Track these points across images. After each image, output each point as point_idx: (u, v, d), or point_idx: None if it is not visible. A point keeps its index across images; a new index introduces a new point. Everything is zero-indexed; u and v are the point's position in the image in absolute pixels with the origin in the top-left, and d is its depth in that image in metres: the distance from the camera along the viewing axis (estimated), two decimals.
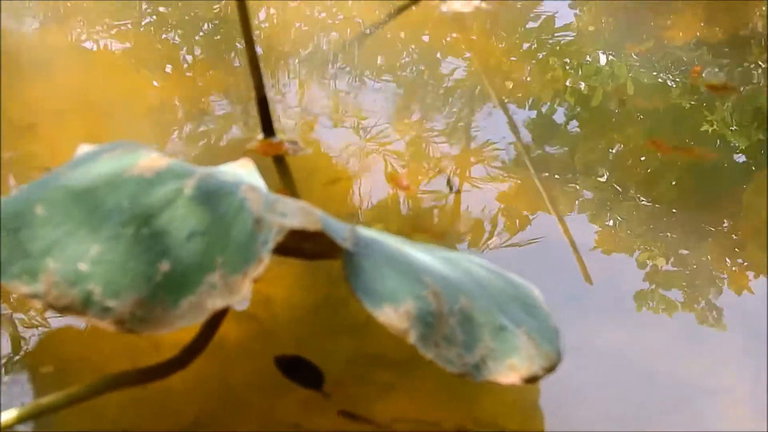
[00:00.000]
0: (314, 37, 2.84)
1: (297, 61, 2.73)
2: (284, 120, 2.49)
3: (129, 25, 2.81)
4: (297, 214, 1.49)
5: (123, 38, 2.74)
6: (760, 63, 2.96)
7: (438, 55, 2.83)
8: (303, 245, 1.58)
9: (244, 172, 1.87)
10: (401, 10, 2.90)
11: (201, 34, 2.79)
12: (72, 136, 2.28)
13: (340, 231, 1.54)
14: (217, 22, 2.81)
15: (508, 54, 2.87)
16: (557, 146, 2.61)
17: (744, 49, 3.02)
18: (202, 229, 1.47)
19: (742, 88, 2.87)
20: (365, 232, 1.64)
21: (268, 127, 2.33)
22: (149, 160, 1.58)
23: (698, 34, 3.06)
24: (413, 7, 2.92)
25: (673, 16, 3.13)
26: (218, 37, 2.76)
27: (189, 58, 2.71)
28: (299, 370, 1.80)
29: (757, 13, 3.24)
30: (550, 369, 1.59)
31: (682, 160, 2.60)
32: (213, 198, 1.51)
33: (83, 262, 1.45)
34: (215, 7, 2.84)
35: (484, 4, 2.94)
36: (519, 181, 2.45)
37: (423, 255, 1.68)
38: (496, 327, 1.57)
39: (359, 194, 2.32)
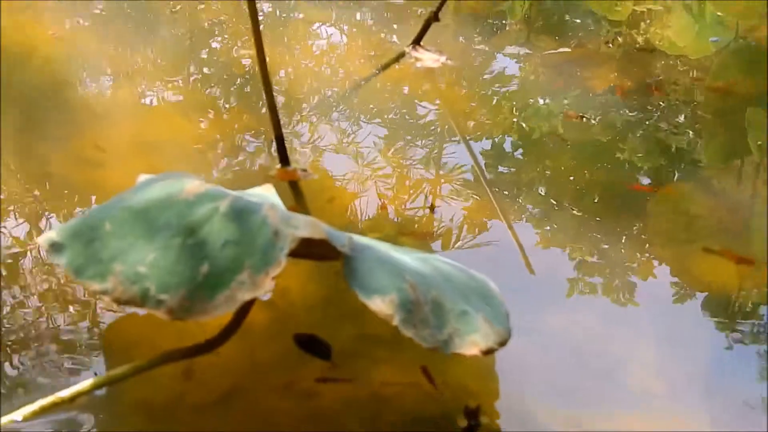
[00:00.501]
0: (321, 89, 2.83)
1: (308, 106, 2.73)
2: (299, 152, 2.48)
3: (180, 82, 2.79)
4: (307, 226, 1.51)
5: (176, 91, 2.72)
6: (660, 103, 2.94)
7: (415, 101, 2.82)
8: (312, 250, 1.59)
9: (266, 194, 1.88)
10: (386, 66, 2.90)
11: (234, 87, 2.79)
12: (134, 168, 2.27)
13: (341, 239, 1.55)
14: (247, 77, 2.80)
15: (469, 100, 2.86)
16: (507, 169, 2.60)
17: (648, 94, 3.01)
18: (233, 239, 1.49)
19: (647, 122, 2.86)
20: (360, 239, 1.65)
21: (284, 158, 2.34)
22: (192, 186, 1.59)
23: (612, 84, 3.05)
24: (396, 65, 2.89)
25: (594, 70, 3.12)
26: (248, 89, 2.75)
27: (226, 105, 2.70)
28: (313, 345, 1.82)
29: (659, 66, 3.23)
30: (503, 344, 1.61)
31: (602, 180, 2.59)
32: (242, 215, 1.53)
33: (142, 266, 1.47)
34: (246, 67, 2.83)
35: (449, 61, 2.92)
36: (478, 197, 2.44)
37: (403, 256, 1.69)
38: (460, 312, 1.58)
39: (357, 208, 2.31)
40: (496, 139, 2.71)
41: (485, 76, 3.01)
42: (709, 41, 3.53)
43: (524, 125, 2.82)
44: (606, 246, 2.33)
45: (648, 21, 3.61)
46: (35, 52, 2.85)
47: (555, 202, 2.48)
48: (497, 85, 2.99)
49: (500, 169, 2.60)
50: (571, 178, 2.60)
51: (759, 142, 2.85)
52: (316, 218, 1.56)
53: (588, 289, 2.19)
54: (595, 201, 2.52)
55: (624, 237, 2.37)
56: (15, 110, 2.54)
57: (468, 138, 2.69)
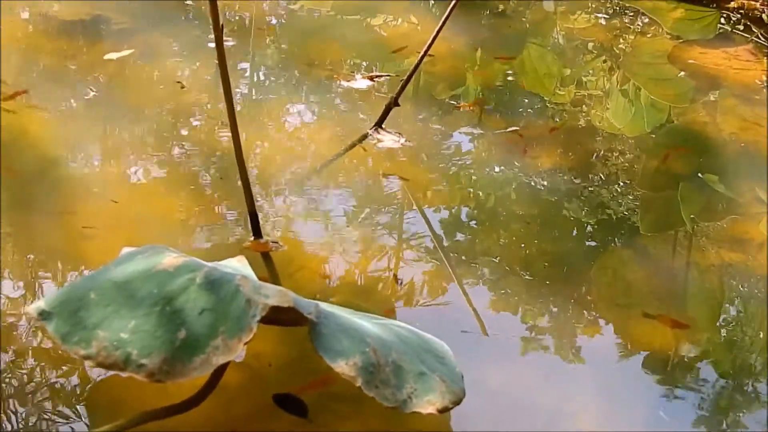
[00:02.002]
0: (292, 165, 2.84)
1: (280, 181, 2.73)
2: (271, 224, 2.49)
3: (162, 158, 2.79)
4: (276, 295, 1.52)
5: (159, 168, 2.72)
6: (601, 177, 2.97)
7: (377, 177, 2.83)
8: (282, 316, 1.59)
9: (239, 266, 1.89)
10: (352, 146, 2.91)
11: (212, 164, 2.78)
12: (119, 240, 2.27)
13: (307, 307, 1.56)
14: (224, 155, 2.80)
15: (428, 175, 2.87)
16: (464, 236, 2.61)
17: (591, 166, 3.03)
18: (209, 307, 1.51)
19: (590, 189, 2.88)
20: (325, 306, 1.66)
21: (257, 231, 2.35)
22: (170, 259, 1.60)
23: (558, 159, 3.07)
24: (360, 146, 2.91)
25: (540, 146, 3.14)
26: (225, 166, 2.75)
27: (204, 182, 2.70)
28: (290, 404, 1.82)
29: (599, 144, 3.25)
30: (457, 402, 1.62)
31: (551, 247, 2.60)
32: (216, 285, 1.54)
33: (124, 332, 1.48)
34: (224, 145, 2.83)
35: (408, 143, 2.94)
36: (436, 263, 2.45)
37: (365, 322, 1.70)
38: (418, 373, 1.59)
39: (324, 276, 2.32)
40: (453, 210, 2.72)
41: (442, 153, 3.02)
42: (644, 122, 3.57)
43: (479, 195, 2.84)
44: (554, 308, 2.34)
45: (589, 104, 3.64)
46: (29, 131, 2.85)
47: (508, 268, 2.48)
48: (454, 159, 3.01)
49: (458, 236, 2.61)
50: (522, 245, 2.61)
51: (691, 215, 2.87)
52: (285, 287, 1.57)
53: (538, 347, 2.19)
54: (545, 266, 2.53)
55: (571, 299, 2.38)
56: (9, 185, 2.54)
57: (426, 209, 2.70)
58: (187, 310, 1.50)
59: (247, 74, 3.44)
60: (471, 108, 3.42)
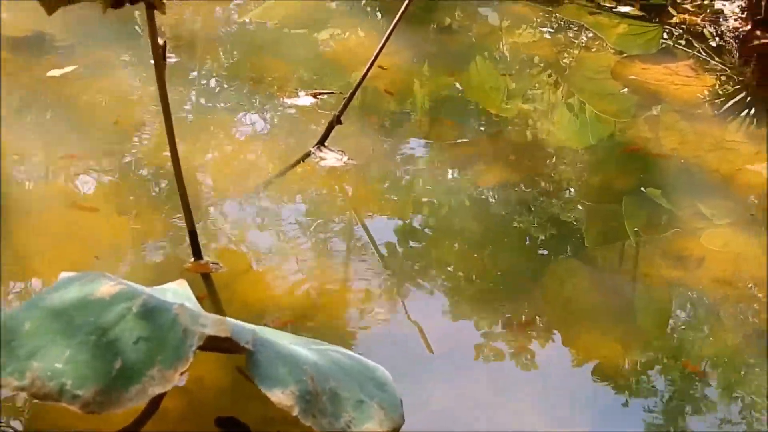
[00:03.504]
0: (235, 184, 2.83)
1: (222, 201, 2.73)
2: (212, 244, 2.48)
3: (105, 174, 2.77)
4: (214, 324, 1.51)
5: (99, 189, 2.70)
6: (548, 189, 2.98)
7: (322, 192, 2.83)
8: (220, 344, 1.58)
9: (179, 290, 1.88)
10: (295, 164, 2.91)
11: (152, 185, 2.77)
12: (58, 261, 2.26)
13: (245, 336, 1.55)
14: (164, 173, 2.78)
15: (372, 191, 2.88)
16: (409, 253, 2.61)
17: (538, 179, 3.05)
18: (145, 336, 1.50)
19: (538, 201, 2.90)
20: (263, 332, 1.65)
21: (197, 252, 2.34)
22: (107, 287, 1.59)
23: (505, 171, 3.08)
24: (302, 161, 2.91)
25: (489, 155, 3.16)
26: (165, 186, 2.73)
27: (144, 203, 2.68)
28: (233, 426, 1.81)
29: (545, 155, 3.27)
30: (396, 429, 1.61)
31: (498, 260, 2.61)
32: (153, 314, 1.53)
33: (59, 363, 1.47)
34: (165, 166, 2.81)
35: (352, 161, 2.94)
36: (382, 280, 2.45)
37: (303, 349, 1.69)
38: (356, 401, 1.59)
39: (265, 297, 2.31)
40: (398, 226, 2.73)
41: (387, 169, 3.03)
42: (589, 136, 3.59)
43: (425, 210, 2.85)
44: (508, 315, 2.37)
45: (535, 117, 3.66)
46: None
47: (456, 283, 2.50)
48: (400, 175, 3.02)
49: (403, 253, 2.62)
50: (469, 259, 2.62)
51: (635, 229, 2.89)
52: (225, 309, 1.57)
53: (485, 363, 2.21)
54: (493, 280, 2.54)
55: (521, 314, 2.40)
56: None
57: (370, 226, 2.70)
58: (123, 339, 1.49)
59: (191, 91, 3.42)
60: (420, 120, 3.44)
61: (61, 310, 1.56)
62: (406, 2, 2.93)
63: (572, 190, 3.08)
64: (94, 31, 3.66)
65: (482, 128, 3.48)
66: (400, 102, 3.60)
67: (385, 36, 2.96)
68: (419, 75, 3.90)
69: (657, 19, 4.69)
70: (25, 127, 3.03)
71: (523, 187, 3.00)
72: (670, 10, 4.77)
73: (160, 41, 2.94)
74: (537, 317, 2.40)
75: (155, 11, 1.99)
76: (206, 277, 2.31)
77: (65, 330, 1.51)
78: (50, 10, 1.94)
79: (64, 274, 1.78)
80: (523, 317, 2.39)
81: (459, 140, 3.28)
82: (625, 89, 3.91)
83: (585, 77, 4.11)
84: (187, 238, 2.33)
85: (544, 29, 4.58)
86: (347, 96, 3.00)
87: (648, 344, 2.37)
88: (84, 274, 1.70)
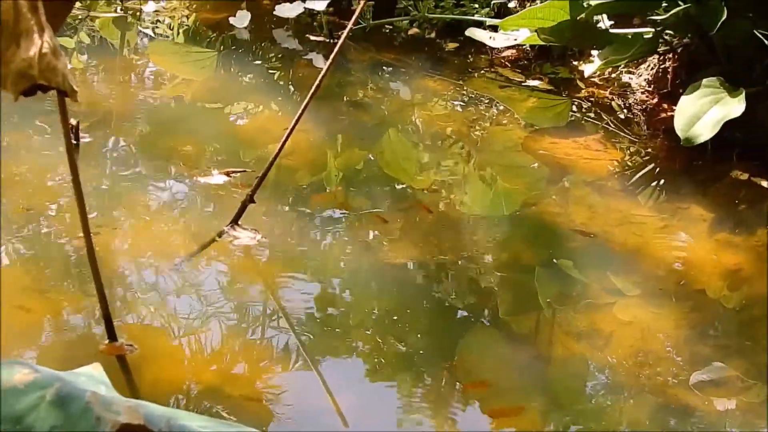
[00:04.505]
0: (147, 266, 2.85)
1: (136, 281, 2.74)
2: (126, 326, 2.49)
3: (18, 257, 2.77)
4: (126, 412, 1.52)
5: (14, 267, 2.70)
6: (462, 259, 3.04)
7: (237, 271, 2.86)
8: (134, 430, 1.59)
9: (95, 374, 1.87)
10: (208, 244, 2.94)
11: (69, 265, 2.78)
12: None
13: (158, 422, 1.56)
14: (77, 256, 2.80)
15: (285, 269, 2.92)
16: (326, 330, 2.65)
17: (452, 249, 3.11)
18: (59, 425, 1.50)
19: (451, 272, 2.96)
20: (179, 419, 1.66)
21: (111, 334, 2.36)
22: (21, 375, 1.59)
23: (419, 241, 3.14)
24: (216, 241, 2.94)
25: (402, 224, 3.22)
26: (79, 268, 2.74)
27: (57, 285, 2.68)
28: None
29: (458, 228, 3.33)
30: None
31: (414, 332, 2.66)
32: (66, 402, 1.54)
33: None
34: (79, 244, 2.82)
35: (264, 239, 2.99)
36: (298, 359, 2.48)
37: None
38: None
39: (181, 379, 2.33)
40: (314, 304, 2.76)
41: (301, 246, 3.07)
42: (502, 207, 3.67)
43: (340, 286, 2.89)
44: (428, 380, 2.42)
45: (448, 188, 3.73)
46: None
47: (374, 359, 2.54)
48: (314, 250, 3.06)
49: (320, 330, 2.65)
50: (385, 332, 2.67)
51: (548, 300, 2.96)
52: (138, 398, 1.58)
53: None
54: (409, 352, 2.59)
55: (443, 373, 2.47)
56: None
57: (286, 304, 2.74)
58: (37, 428, 1.50)
59: (104, 171, 3.43)
60: (335, 191, 3.51)
61: None
62: (319, 78, 2.99)
63: (486, 260, 3.15)
64: (13, 112, 3.66)
65: (396, 199, 3.54)
66: (314, 176, 3.65)
67: (298, 113, 3.02)
68: (333, 149, 3.96)
69: (566, 93, 4.82)
70: None
71: (439, 258, 3.06)
72: (578, 83, 4.91)
73: (72, 122, 2.97)
74: (456, 384, 2.46)
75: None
76: (121, 358, 2.33)
77: None
78: None
79: None
80: (442, 385, 2.44)
81: (373, 210, 3.35)
82: (536, 164, 4.01)
83: (496, 151, 4.21)
84: (102, 321, 2.35)
85: (456, 102, 4.68)
86: (260, 174, 3.04)
87: (561, 413, 2.43)
88: None
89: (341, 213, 3.34)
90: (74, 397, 1.55)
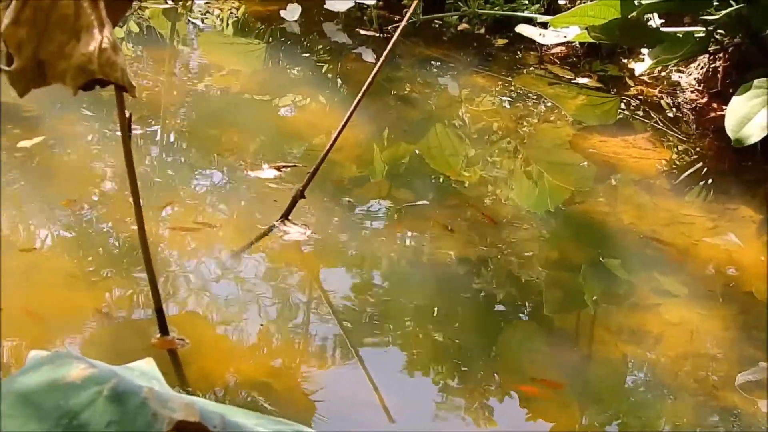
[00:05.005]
0: (199, 259, 2.86)
1: (187, 275, 2.76)
2: (178, 318, 2.50)
3: (71, 249, 2.79)
4: (182, 409, 1.52)
5: (64, 263, 2.72)
6: (507, 255, 3.03)
7: (285, 267, 2.87)
8: (188, 427, 1.60)
9: (148, 369, 1.88)
10: (258, 239, 2.95)
11: (119, 260, 2.79)
12: (25, 338, 2.30)
13: (213, 418, 1.57)
14: (128, 248, 2.82)
15: (336, 263, 2.93)
16: (372, 326, 2.65)
17: (497, 244, 3.10)
18: (116, 420, 1.50)
19: (497, 266, 2.95)
20: (233, 415, 1.67)
21: (163, 328, 2.36)
22: (78, 370, 1.60)
23: (465, 236, 3.13)
24: (266, 236, 2.95)
25: (450, 219, 3.22)
26: (132, 261, 2.76)
27: (111, 278, 2.70)
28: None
29: (503, 223, 3.32)
30: None
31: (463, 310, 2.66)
32: (123, 398, 1.54)
33: None
34: (130, 236, 2.84)
35: (315, 234, 2.99)
36: (345, 352, 2.49)
37: (272, 428, 1.71)
38: None
39: (230, 374, 2.34)
40: (361, 299, 2.77)
41: (350, 241, 3.08)
42: (548, 202, 3.66)
43: (395, 271, 2.91)
44: (465, 369, 2.42)
45: (494, 183, 3.72)
46: None
47: (426, 336, 2.55)
48: (362, 245, 3.07)
49: (366, 326, 2.65)
50: (441, 313, 2.67)
51: (594, 298, 2.95)
52: (189, 393, 1.59)
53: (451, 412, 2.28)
54: (464, 332, 2.59)
55: (481, 363, 2.48)
56: None
57: (334, 300, 2.74)
58: (94, 423, 1.50)
59: (154, 164, 3.45)
60: (379, 184, 3.51)
61: (33, 393, 1.57)
62: (371, 76, 2.99)
63: (532, 256, 3.14)
64: (59, 100, 3.70)
65: (441, 192, 3.54)
66: (361, 171, 3.66)
67: (350, 110, 3.03)
68: (380, 143, 3.96)
69: (614, 90, 4.80)
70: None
71: (483, 252, 3.06)
72: (628, 81, 4.88)
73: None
74: (500, 370, 2.47)
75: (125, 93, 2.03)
76: (172, 353, 2.34)
77: (38, 413, 1.52)
78: (22, 92, 1.97)
79: (33, 353, 1.79)
80: (486, 368, 2.45)
81: (419, 202, 3.35)
82: (585, 162, 3.99)
83: (543, 147, 4.20)
84: (154, 314, 2.36)
85: (503, 98, 4.67)
86: (311, 170, 3.05)
87: (603, 412, 2.42)
88: (54, 355, 1.71)
89: (388, 207, 3.35)
90: (131, 393, 1.56)
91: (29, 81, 1.98)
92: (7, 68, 1.94)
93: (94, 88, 1.99)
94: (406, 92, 4.66)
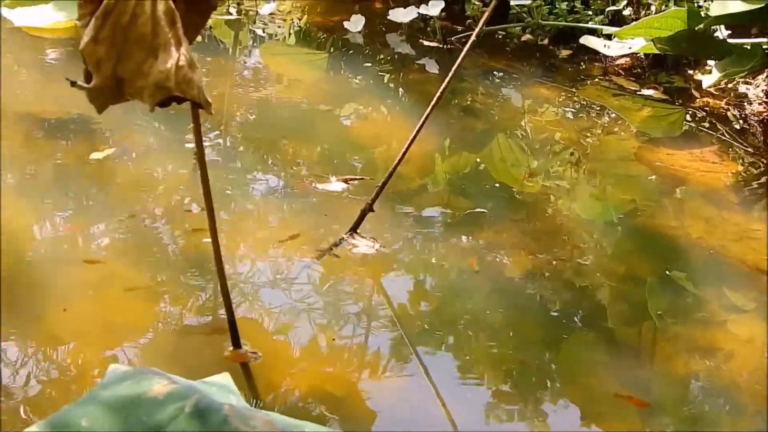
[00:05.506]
0: (269, 272, 2.87)
1: (257, 287, 2.77)
2: (249, 330, 2.51)
3: (142, 261, 2.82)
4: (263, 426, 1.55)
5: (137, 276, 2.74)
6: (569, 265, 3.02)
7: (355, 281, 2.88)
8: None
9: (225, 383, 1.91)
10: (326, 252, 2.96)
11: (191, 269, 2.82)
12: (98, 350, 2.33)
13: None
14: (198, 259, 2.84)
15: (407, 275, 2.93)
16: (446, 338, 2.66)
17: (559, 254, 3.09)
18: None
19: (558, 276, 2.95)
20: (307, 429, 1.69)
21: (236, 341, 2.38)
22: (160, 386, 1.63)
23: (526, 245, 3.13)
24: (334, 248, 2.96)
25: (508, 229, 3.21)
26: (202, 270, 2.79)
27: (183, 290, 2.72)
28: None
29: (565, 234, 3.32)
30: None
31: (523, 346, 2.66)
32: (205, 414, 1.56)
33: None
34: (202, 252, 2.87)
35: (383, 249, 3.00)
36: (417, 366, 2.50)
37: None
38: None
39: (303, 389, 2.35)
40: (431, 315, 2.77)
41: (417, 255, 3.08)
42: (612, 213, 3.65)
43: (462, 287, 2.90)
44: (532, 382, 2.45)
45: (556, 194, 3.71)
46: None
47: (492, 348, 2.57)
48: (434, 252, 3.07)
49: (436, 344, 2.64)
50: (506, 326, 2.71)
51: (659, 311, 2.93)
52: (263, 408, 1.60)
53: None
54: (528, 344, 2.61)
55: (542, 379, 2.48)
56: None
57: (404, 314, 2.75)
58: None
59: (220, 176, 3.47)
60: (439, 191, 3.52)
61: (116, 407, 1.59)
62: (441, 89, 3.00)
63: (593, 267, 3.13)
64: (129, 112, 3.73)
65: (503, 202, 3.54)
66: (427, 183, 3.67)
67: (418, 125, 3.03)
68: (444, 155, 3.97)
69: (680, 102, 4.77)
70: (61, 211, 3.09)
71: (544, 262, 3.06)
72: (693, 92, 4.86)
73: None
74: (557, 396, 2.46)
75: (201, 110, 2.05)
76: (244, 366, 2.36)
77: (121, 429, 1.55)
78: (101, 109, 2.01)
79: (113, 367, 1.82)
80: (546, 386, 2.45)
81: (479, 208, 3.36)
82: (652, 176, 3.97)
83: (608, 159, 4.18)
84: (225, 327, 2.38)
85: (567, 109, 4.66)
86: (380, 184, 3.05)
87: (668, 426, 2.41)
88: (135, 371, 1.73)
89: (454, 219, 3.35)
90: (213, 410, 1.58)
91: (107, 98, 2.01)
92: (86, 85, 1.97)
93: (171, 105, 2.02)
94: (468, 103, 4.66)
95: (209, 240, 2.27)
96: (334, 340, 2.57)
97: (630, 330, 2.89)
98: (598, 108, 4.70)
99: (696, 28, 4.18)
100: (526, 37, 5.65)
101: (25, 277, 2.67)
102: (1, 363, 1.86)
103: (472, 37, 2.87)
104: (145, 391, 1.63)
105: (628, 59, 5.23)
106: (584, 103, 4.77)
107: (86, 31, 1.94)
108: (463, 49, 2.99)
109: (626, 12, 5.28)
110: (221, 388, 1.81)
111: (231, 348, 2.39)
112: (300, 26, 5.82)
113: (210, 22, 5.50)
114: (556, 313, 2.85)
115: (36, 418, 2.05)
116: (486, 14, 2.80)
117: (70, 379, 2.26)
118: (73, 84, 1.97)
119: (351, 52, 5.38)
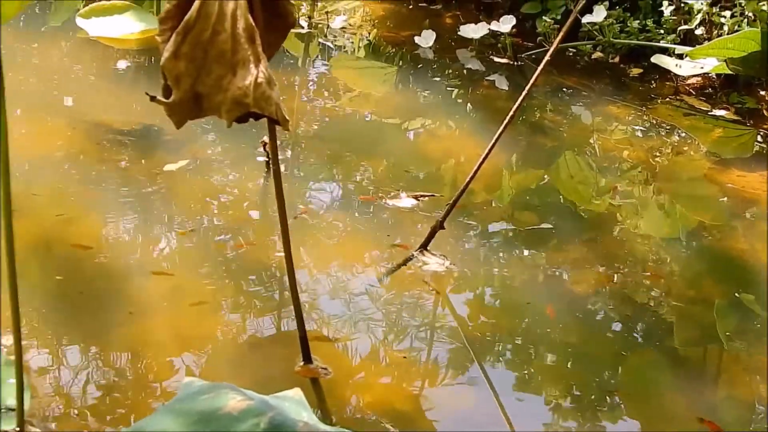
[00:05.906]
0: (339, 289, 2.88)
1: (327, 303, 2.78)
2: (320, 346, 2.52)
3: (214, 273, 2.85)
4: None
5: (211, 291, 2.76)
6: (636, 284, 3.00)
7: (426, 299, 2.88)
8: None
9: (296, 398, 1.93)
10: (397, 268, 2.97)
11: (262, 283, 2.84)
12: (173, 361, 2.36)
13: None
14: (269, 273, 2.87)
15: (477, 294, 2.93)
16: (506, 357, 2.66)
17: (625, 272, 3.08)
18: None
19: (624, 295, 2.93)
20: None
21: (307, 356, 2.40)
22: (235, 402, 1.66)
23: (592, 263, 3.12)
24: (404, 265, 2.97)
25: (571, 243, 3.20)
26: (273, 284, 2.81)
27: (256, 305, 2.74)
28: None
29: (632, 252, 3.30)
30: None
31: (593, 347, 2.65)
32: (279, 431, 1.59)
33: None
34: (271, 262, 2.90)
35: (453, 266, 3.00)
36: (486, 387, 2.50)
37: None
38: None
39: (371, 404, 2.36)
40: (499, 334, 2.77)
41: (487, 274, 3.07)
42: (680, 232, 3.63)
43: (533, 305, 2.91)
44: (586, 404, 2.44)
45: (623, 212, 3.70)
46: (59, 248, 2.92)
47: (560, 369, 2.59)
48: (505, 271, 3.07)
49: (502, 362, 2.65)
50: (575, 346, 2.71)
51: (727, 333, 2.91)
52: (334, 424, 1.62)
53: None
54: (595, 364, 2.61)
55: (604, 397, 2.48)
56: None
57: (475, 335, 2.74)
58: None
59: (289, 188, 3.49)
60: (503, 207, 3.53)
61: (193, 421, 1.63)
62: (515, 106, 3.00)
63: (661, 287, 3.11)
64: (200, 124, 3.77)
65: (569, 219, 3.53)
66: (496, 200, 3.66)
67: (491, 143, 3.04)
68: (512, 171, 3.97)
69: (751, 123, 4.73)
70: (138, 224, 3.13)
71: (610, 280, 3.05)
72: (765, 113, 4.81)
73: (265, 139, 3.04)
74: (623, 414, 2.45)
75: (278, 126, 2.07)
76: (314, 381, 2.37)
77: None
78: (179, 124, 2.03)
79: (187, 380, 1.85)
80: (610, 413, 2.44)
81: (543, 224, 3.35)
82: (724, 197, 3.93)
83: (677, 179, 4.15)
84: (296, 342, 2.39)
85: (637, 128, 4.63)
86: (451, 201, 3.06)
87: None
88: (210, 386, 1.77)
89: (522, 236, 3.34)
90: (287, 427, 1.60)
91: (186, 113, 2.03)
92: (165, 100, 2.00)
93: (248, 121, 2.04)
94: (537, 119, 4.66)
95: (281, 254, 2.28)
96: (404, 357, 2.57)
97: (696, 350, 2.87)
98: (668, 127, 4.67)
99: None
100: (597, 54, 5.64)
101: (94, 287, 2.71)
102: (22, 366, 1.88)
103: (547, 56, 2.86)
104: (221, 406, 1.66)
105: (699, 79, 5.19)
106: (654, 122, 4.74)
107: (167, 46, 1.97)
108: (534, 66, 2.99)
109: (698, 31, 5.24)
110: (294, 403, 1.83)
111: (302, 363, 2.40)
112: (370, 40, 5.84)
113: None
114: (625, 333, 2.83)
115: (111, 429, 2.08)
116: (562, 32, 2.79)
117: (144, 388, 2.29)
118: (153, 99, 1.99)
119: (420, 66, 5.39)
